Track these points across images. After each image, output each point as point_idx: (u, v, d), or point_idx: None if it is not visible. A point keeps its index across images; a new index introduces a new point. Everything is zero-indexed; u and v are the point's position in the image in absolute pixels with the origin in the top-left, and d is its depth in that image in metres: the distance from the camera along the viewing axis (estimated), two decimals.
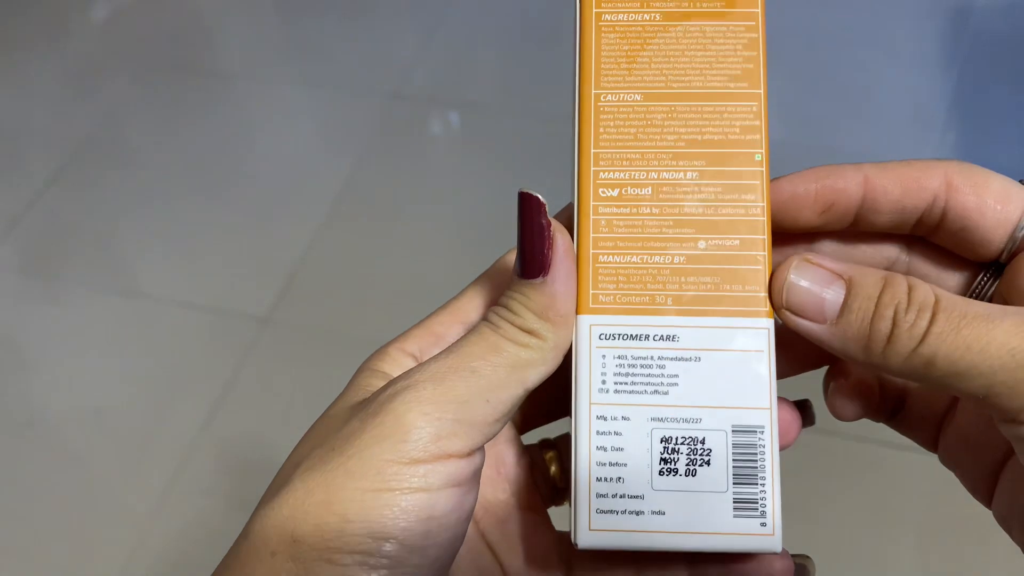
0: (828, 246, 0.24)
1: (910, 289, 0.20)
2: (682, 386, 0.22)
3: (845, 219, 0.23)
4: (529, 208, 0.21)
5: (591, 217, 0.23)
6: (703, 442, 0.22)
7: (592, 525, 0.21)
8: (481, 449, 0.21)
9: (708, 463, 0.22)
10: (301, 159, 1.07)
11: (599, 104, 0.23)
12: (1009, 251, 0.22)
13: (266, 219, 1.00)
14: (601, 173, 0.23)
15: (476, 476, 0.21)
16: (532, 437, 0.27)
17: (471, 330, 0.22)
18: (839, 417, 0.25)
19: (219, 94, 1.16)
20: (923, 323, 0.20)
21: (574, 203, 0.23)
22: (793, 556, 0.23)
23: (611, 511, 0.21)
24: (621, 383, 0.22)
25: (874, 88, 1.06)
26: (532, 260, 0.21)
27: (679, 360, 0.22)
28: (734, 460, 0.22)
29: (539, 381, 0.21)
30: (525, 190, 0.21)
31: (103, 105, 1.15)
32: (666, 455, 0.22)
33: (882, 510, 0.72)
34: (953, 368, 0.19)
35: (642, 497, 0.21)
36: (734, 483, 0.21)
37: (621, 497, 0.22)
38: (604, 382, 0.22)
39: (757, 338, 0.22)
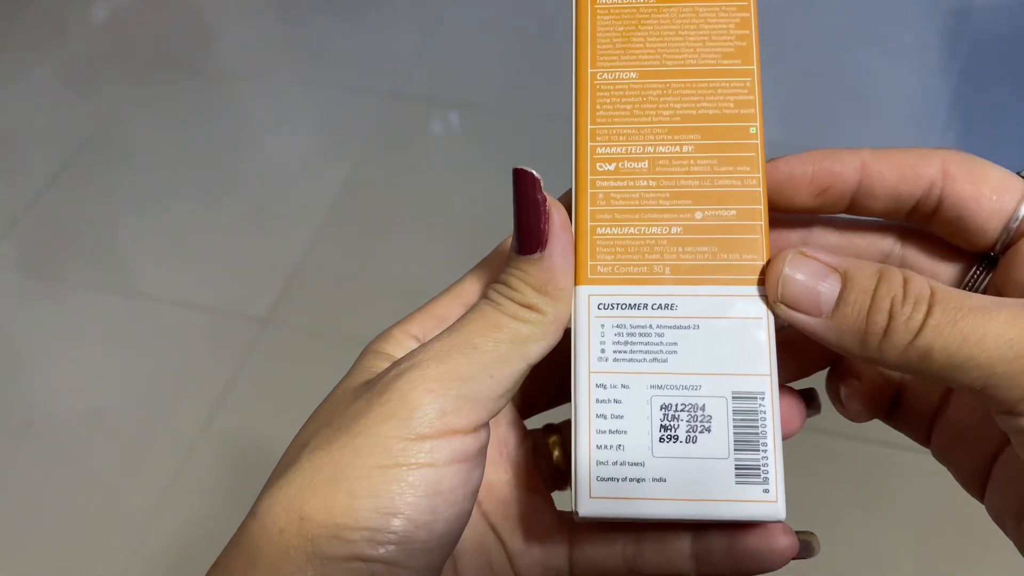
0: (822, 235, 0.24)
1: (906, 282, 0.20)
2: (681, 354, 0.22)
3: (840, 203, 0.23)
4: (524, 184, 0.21)
5: (588, 191, 0.23)
6: (703, 409, 0.22)
7: (593, 493, 0.21)
8: (486, 426, 0.21)
9: (708, 430, 0.22)
10: (301, 159, 1.07)
11: (595, 82, 0.24)
12: (1003, 242, 0.22)
13: (266, 219, 1.00)
14: (598, 148, 0.23)
15: (482, 452, 0.21)
16: (535, 424, 0.27)
17: (472, 308, 0.22)
18: (852, 419, 0.25)
19: (219, 94, 1.16)
20: (919, 315, 0.20)
21: (573, 179, 0.23)
22: (797, 533, 0.23)
23: (612, 479, 0.21)
24: (620, 351, 0.22)
25: (874, 88, 1.06)
26: (529, 235, 0.21)
27: (678, 328, 0.22)
28: (735, 426, 0.22)
29: (541, 355, 0.21)
30: (520, 167, 0.21)
31: (103, 105, 1.15)
32: (666, 422, 0.22)
33: (882, 510, 0.72)
34: (950, 360, 0.19)
35: (643, 464, 0.22)
36: (735, 449, 0.21)
37: (622, 464, 0.22)
38: (603, 351, 0.22)
39: (756, 305, 0.22)
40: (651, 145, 0.23)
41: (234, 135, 1.11)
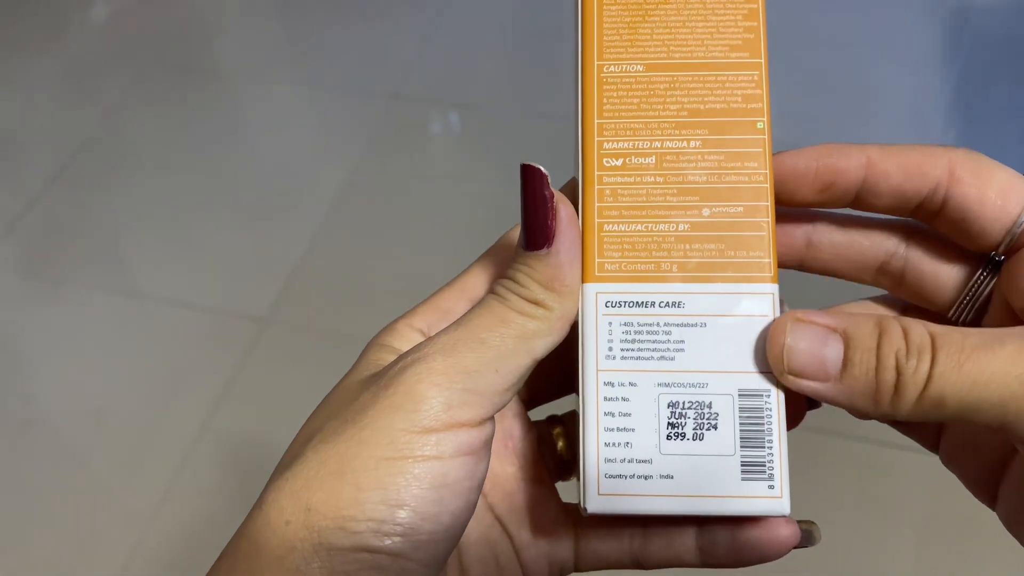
0: (826, 232, 0.24)
1: (906, 333, 0.20)
2: (688, 352, 0.22)
3: (844, 199, 0.23)
4: (531, 180, 0.21)
5: (595, 187, 0.23)
6: (710, 406, 0.22)
7: (601, 490, 0.22)
8: (491, 419, 0.21)
9: (715, 427, 0.22)
10: (301, 159, 1.07)
11: (602, 75, 0.24)
12: (1007, 246, 0.22)
13: (266, 219, 1.00)
14: (605, 143, 0.23)
15: (487, 445, 0.21)
16: (539, 414, 0.27)
17: (479, 303, 0.22)
18: (860, 417, 0.25)
19: (219, 94, 1.16)
20: (925, 366, 0.19)
21: (578, 173, 0.23)
22: (799, 522, 0.23)
23: (619, 476, 0.22)
24: (628, 349, 0.22)
25: (874, 88, 1.06)
26: (536, 231, 0.21)
27: (685, 326, 0.22)
28: (741, 424, 0.22)
29: (547, 351, 0.22)
30: (527, 162, 0.21)
31: (103, 105, 1.15)
32: (673, 420, 0.22)
33: (882, 510, 0.72)
34: (963, 405, 0.19)
35: (650, 461, 0.22)
36: (741, 446, 0.22)
37: (629, 462, 0.22)
38: (611, 349, 0.22)
39: (762, 302, 0.22)
40: (658, 140, 0.23)
41: (234, 135, 1.11)
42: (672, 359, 0.22)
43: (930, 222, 0.23)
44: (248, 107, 1.16)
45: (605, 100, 0.23)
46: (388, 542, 0.19)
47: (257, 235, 0.99)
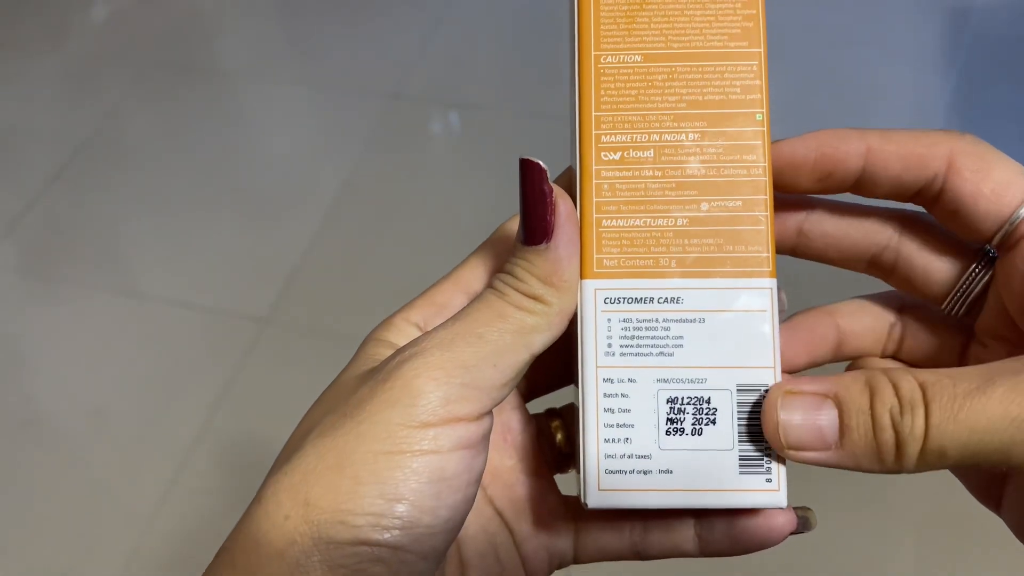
0: (820, 220, 0.24)
1: (896, 388, 0.20)
2: (687, 347, 0.22)
3: (843, 187, 0.23)
4: (531, 174, 0.21)
5: (593, 181, 0.23)
6: (708, 402, 0.22)
7: (601, 485, 0.22)
8: (489, 413, 0.21)
9: (714, 422, 0.22)
10: (301, 159, 1.07)
11: (599, 66, 0.23)
12: (1000, 241, 0.22)
13: (266, 219, 1.00)
14: (603, 136, 0.23)
15: (485, 439, 0.21)
16: (537, 406, 0.27)
17: (477, 297, 0.22)
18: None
19: (219, 94, 1.16)
20: (920, 421, 0.19)
21: (575, 167, 0.23)
22: (795, 508, 0.23)
23: (619, 471, 0.22)
24: (627, 346, 0.22)
25: (874, 88, 1.06)
26: (535, 226, 0.21)
27: (683, 322, 0.22)
28: (739, 418, 0.22)
29: (545, 346, 0.22)
30: (526, 157, 0.21)
31: (103, 105, 1.15)
32: (672, 415, 0.22)
33: (882, 510, 0.72)
34: (966, 452, 0.19)
35: (650, 457, 0.22)
36: (740, 441, 0.22)
37: (629, 457, 0.22)
38: (610, 345, 0.22)
39: (760, 298, 0.22)
40: (657, 133, 0.23)
41: (234, 135, 1.11)
42: (671, 355, 0.22)
43: (928, 208, 0.23)
44: (248, 107, 1.16)
45: (603, 92, 0.23)
46: (387, 535, 0.19)
47: (257, 235, 0.99)
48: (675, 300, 0.22)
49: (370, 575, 0.19)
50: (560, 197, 0.21)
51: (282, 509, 0.19)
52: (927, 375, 0.20)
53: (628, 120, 0.23)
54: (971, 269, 0.23)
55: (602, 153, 0.23)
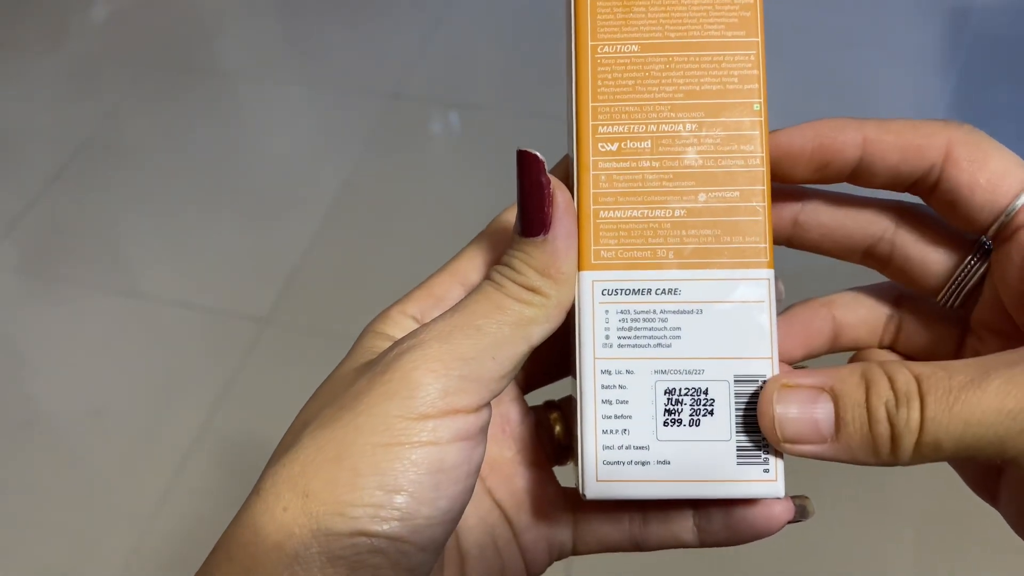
0: (815, 211, 0.24)
1: (891, 381, 0.20)
2: (684, 338, 0.22)
3: (840, 177, 0.23)
4: (528, 166, 0.21)
5: (591, 172, 0.23)
6: (706, 392, 0.22)
7: (599, 476, 0.22)
8: (488, 405, 0.21)
9: (711, 413, 0.22)
10: (301, 159, 1.07)
11: (596, 56, 0.23)
12: (995, 232, 0.22)
13: (266, 219, 1.00)
14: (600, 127, 0.23)
15: (483, 431, 0.21)
16: (535, 398, 0.27)
17: (475, 289, 0.22)
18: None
19: (219, 94, 1.16)
20: (915, 414, 0.19)
21: (572, 158, 0.23)
22: (792, 497, 0.23)
23: (617, 462, 0.22)
24: (624, 337, 0.22)
25: (874, 88, 1.06)
26: (533, 218, 0.21)
27: (681, 313, 0.22)
28: (737, 409, 0.22)
29: (543, 338, 0.22)
30: (523, 148, 0.21)
31: (103, 105, 1.15)
32: (670, 406, 0.22)
33: (882, 510, 0.72)
34: (960, 445, 0.19)
35: (647, 448, 0.22)
36: (737, 432, 0.22)
37: (627, 448, 0.22)
38: (607, 337, 0.22)
39: (757, 288, 0.22)
40: (654, 123, 0.23)
41: (234, 135, 1.11)
42: (668, 346, 0.22)
43: (925, 199, 0.23)
44: (248, 107, 1.16)
45: (600, 82, 0.23)
46: (386, 527, 0.19)
47: (257, 235, 0.99)
48: (673, 291, 0.22)
49: (369, 566, 0.19)
50: (558, 189, 0.21)
51: (281, 501, 0.19)
52: (922, 368, 0.20)
53: (625, 110, 0.23)
54: (967, 261, 0.23)
55: (599, 144, 0.23)
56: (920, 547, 0.71)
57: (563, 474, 0.26)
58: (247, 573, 0.19)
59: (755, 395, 0.22)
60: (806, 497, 0.24)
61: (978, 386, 0.19)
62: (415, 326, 0.23)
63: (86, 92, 1.18)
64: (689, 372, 0.22)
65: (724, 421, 0.22)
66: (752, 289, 0.22)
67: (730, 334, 0.22)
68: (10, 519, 0.79)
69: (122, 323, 0.92)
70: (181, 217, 1.01)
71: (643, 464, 0.22)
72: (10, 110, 1.17)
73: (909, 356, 0.25)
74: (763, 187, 0.22)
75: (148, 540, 0.77)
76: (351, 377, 0.21)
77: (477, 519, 0.24)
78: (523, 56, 1.15)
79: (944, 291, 0.24)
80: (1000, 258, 0.22)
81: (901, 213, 0.24)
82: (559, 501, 0.25)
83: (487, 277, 0.22)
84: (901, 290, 0.25)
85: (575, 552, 0.25)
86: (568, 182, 0.23)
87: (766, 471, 0.22)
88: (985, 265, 0.23)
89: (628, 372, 0.22)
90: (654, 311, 0.22)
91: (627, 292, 0.22)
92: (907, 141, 0.22)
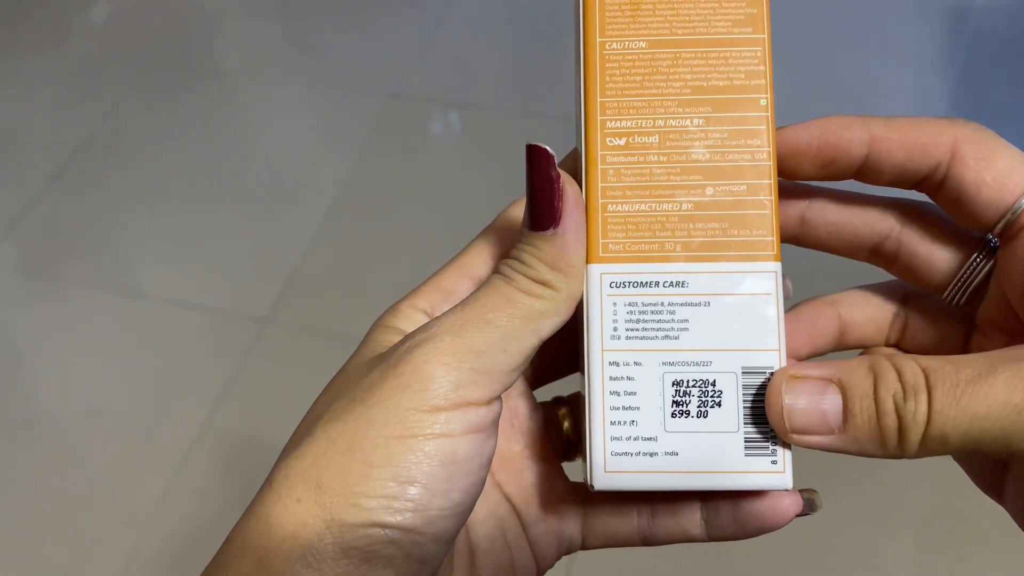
0: (822, 209, 0.24)
1: (899, 373, 0.20)
2: (692, 331, 0.22)
3: (846, 174, 0.23)
4: (538, 160, 0.21)
5: (599, 167, 0.23)
6: (714, 384, 0.22)
7: (607, 467, 0.22)
8: (499, 398, 0.21)
9: (719, 404, 0.22)
10: (301, 159, 1.07)
11: (604, 52, 0.23)
12: (1001, 230, 0.22)
13: (266, 219, 1.00)
14: (608, 122, 0.23)
15: (495, 424, 0.21)
16: (544, 394, 0.27)
17: (485, 283, 0.22)
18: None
19: (219, 94, 1.16)
20: (923, 406, 0.19)
21: (581, 153, 0.23)
22: (800, 491, 0.23)
23: (625, 453, 0.22)
24: (632, 329, 0.22)
25: (874, 88, 1.06)
26: (542, 212, 0.21)
27: (689, 305, 0.22)
28: (744, 401, 0.22)
29: (553, 331, 0.22)
30: (533, 143, 0.21)
31: (103, 105, 1.15)
32: (678, 398, 0.22)
33: (882, 510, 0.72)
34: (967, 439, 0.19)
35: (655, 439, 0.22)
36: (745, 423, 0.22)
37: (635, 439, 0.22)
38: (616, 329, 0.22)
39: (764, 281, 0.22)
40: (661, 118, 0.23)
41: (234, 135, 1.11)
42: (676, 338, 0.22)
43: (931, 196, 0.23)
44: (248, 107, 1.16)
45: (608, 78, 0.23)
46: (400, 518, 0.19)
47: (257, 235, 0.99)
48: (680, 284, 0.22)
49: (382, 557, 0.19)
50: (567, 183, 0.21)
51: (294, 492, 0.19)
52: (930, 361, 0.20)
53: (633, 106, 0.23)
54: (972, 258, 0.23)
55: (607, 139, 0.23)
56: (921, 547, 0.71)
57: (571, 470, 0.26)
58: (260, 564, 0.19)
59: (763, 387, 0.22)
60: (814, 491, 0.24)
61: (985, 380, 0.19)
62: (425, 320, 0.23)
63: (86, 92, 1.18)
64: (697, 364, 0.22)
65: (732, 413, 0.22)
66: (759, 282, 0.22)
67: (738, 326, 0.22)
68: (10, 519, 0.79)
69: (122, 323, 0.92)
70: (181, 217, 1.01)
71: (651, 455, 0.22)
72: (10, 110, 1.17)
73: (916, 354, 0.25)
74: (770, 181, 0.23)
75: (148, 540, 0.77)
76: (363, 370, 0.21)
77: (487, 512, 0.24)
78: (523, 56, 1.15)
79: (950, 288, 0.24)
80: (1006, 256, 0.22)
81: (907, 211, 0.24)
82: (568, 495, 0.25)
83: (497, 271, 0.22)
84: (908, 289, 0.25)
85: (584, 546, 0.25)
86: (577, 178, 0.23)
87: (774, 462, 0.22)
88: (991, 262, 0.23)
89: (636, 364, 0.22)
90: (662, 303, 0.22)
91: (635, 285, 0.22)
92: (913, 139, 0.22)
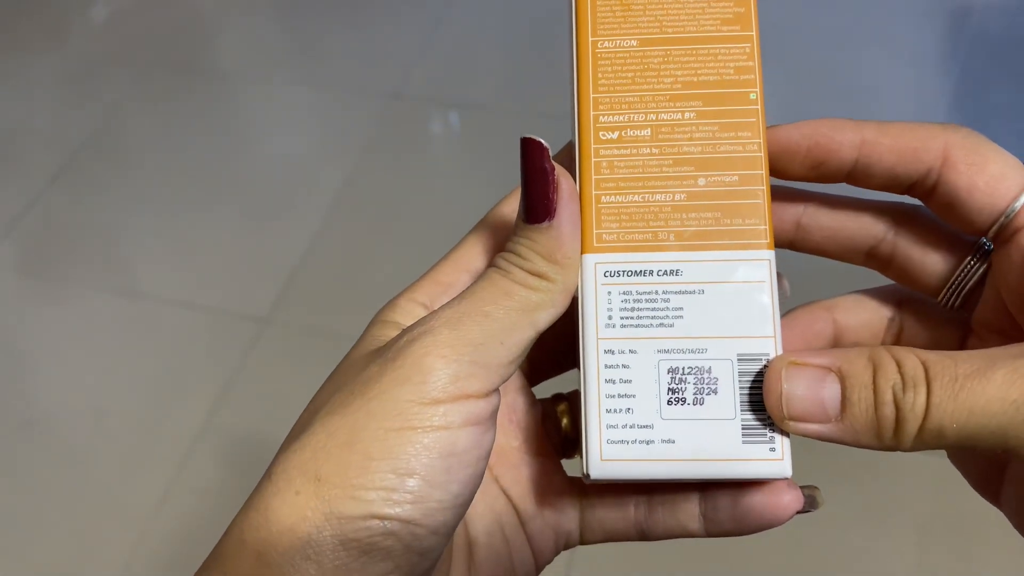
0: (815, 214, 0.24)
1: (899, 364, 0.20)
2: (687, 318, 0.22)
3: (836, 178, 0.23)
4: (532, 153, 0.21)
5: (592, 159, 0.23)
6: (709, 371, 0.22)
7: (603, 456, 0.22)
8: (497, 391, 0.21)
9: (715, 392, 0.22)
10: (301, 159, 1.07)
11: (596, 50, 0.24)
12: (995, 234, 0.22)
13: (266, 219, 1.00)
14: (601, 117, 0.23)
15: (493, 416, 0.21)
16: (543, 391, 0.27)
17: (481, 276, 0.22)
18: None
19: (219, 94, 1.16)
20: (921, 399, 0.19)
21: (575, 147, 0.24)
22: (802, 487, 0.23)
23: (621, 441, 0.22)
24: (627, 318, 0.22)
25: (874, 88, 1.06)
26: (537, 205, 0.21)
27: (683, 293, 0.22)
28: (740, 388, 0.22)
29: (550, 322, 0.22)
30: (527, 135, 0.21)
31: (103, 105, 1.15)
32: (674, 385, 0.22)
33: (882, 510, 0.72)
34: (963, 433, 0.19)
35: (652, 427, 0.22)
36: (742, 410, 0.22)
37: (631, 427, 0.22)
38: (610, 317, 0.22)
39: (758, 269, 0.22)
40: (653, 113, 0.23)
41: (234, 135, 1.11)
42: (671, 326, 0.22)
43: (923, 201, 0.23)
44: (248, 107, 1.16)
45: (600, 75, 0.24)
46: (399, 509, 0.19)
47: (257, 235, 0.99)
48: (674, 272, 0.22)
49: (381, 549, 0.19)
50: (562, 175, 0.22)
51: (293, 485, 0.19)
52: (930, 355, 0.20)
53: (625, 101, 0.23)
54: (966, 262, 0.23)
55: (600, 132, 0.23)
56: (921, 547, 0.71)
57: (568, 465, 0.26)
58: (260, 557, 0.19)
59: (759, 374, 0.22)
60: (815, 487, 0.23)
61: (983, 375, 0.19)
62: (424, 313, 0.23)
63: (86, 92, 1.18)
64: (692, 351, 0.22)
65: (728, 400, 0.22)
66: (753, 270, 0.22)
67: (732, 314, 0.22)
68: (10, 519, 0.79)
69: (122, 323, 0.92)
70: (181, 217, 1.01)
71: (647, 443, 0.22)
72: (10, 110, 1.17)
73: None
74: (762, 171, 0.23)
75: (148, 540, 0.77)
76: (362, 364, 0.21)
77: (485, 506, 0.24)
78: (523, 56, 1.15)
79: (944, 292, 0.24)
80: (1000, 259, 0.22)
81: (901, 215, 0.24)
82: (565, 490, 0.25)
83: (493, 264, 0.22)
84: (903, 293, 0.25)
85: (582, 541, 0.25)
86: (571, 171, 0.23)
87: (772, 449, 0.22)
88: (985, 266, 0.23)
89: (631, 352, 0.22)
90: (656, 292, 0.22)
91: (629, 273, 0.23)
92: (904, 144, 0.22)
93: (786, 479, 0.22)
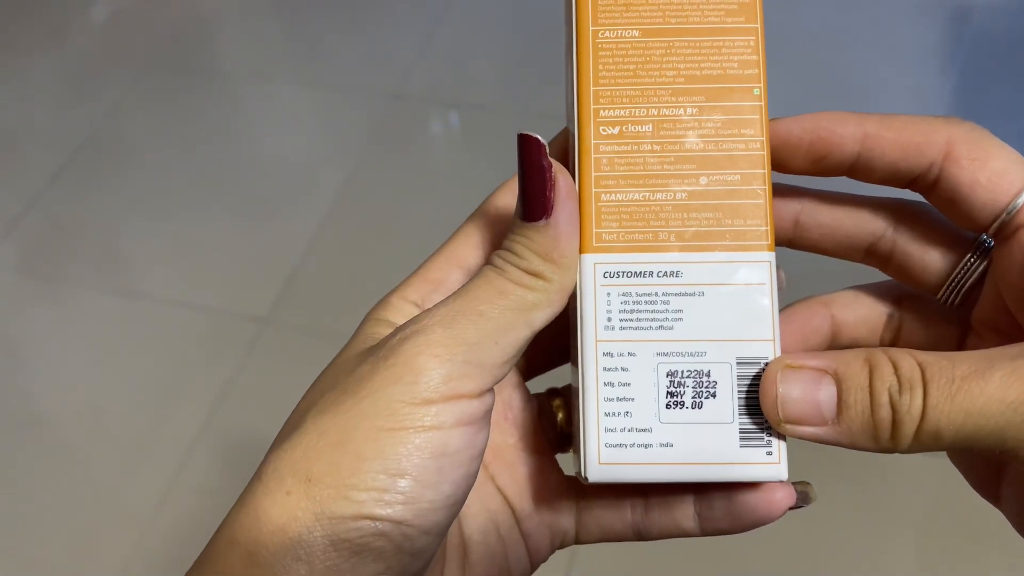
0: (813, 211, 0.24)
1: (895, 367, 0.20)
2: (686, 321, 0.22)
3: (838, 171, 0.23)
4: (530, 150, 0.21)
5: (592, 155, 0.23)
6: (708, 375, 0.22)
7: (601, 459, 0.22)
8: (491, 391, 0.21)
9: (714, 395, 0.22)
10: (301, 159, 1.07)
11: (597, 41, 0.23)
12: (996, 230, 0.22)
13: (266, 219, 1.00)
14: (601, 111, 0.23)
15: (487, 416, 0.21)
16: (537, 385, 0.27)
17: (477, 274, 0.22)
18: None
19: (219, 94, 1.16)
20: (918, 400, 0.19)
21: (574, 142, 0.23)
22: (794, 484, 0.23)
23: (620, 444, 0.22)
24: (626, 320, 0.22)
25: (874, 88, 1.06)
26: (534, 202, 0.21)
27: (683, 295, 0.22)
28: (739, 391, 0.22)
29: (546, 322, 0.22)
30: (524, 132, 0.21)
31: (103, 105, 1.15)
32: (672, 389, 0.22)
33: (882, 510, 0.72)
34: (960, 435, 0.19)
35: (650, 430, 0.22)
36: (740, 414, 0.22)
37: (629, 431, 0.22)
38: (609, 319, 0.22)
39: (759, 271, 0.22)
40: (655, 107, 0.23)
41: (234, 135, 1.11)
42: (671, 328, 0.22)
43: (925, 195, 0.23)
44: (248, 107, 1.16)
45: (601, 67, 0.23)
46: (390, 510, 0.19)
47: (257, 235, 0.99)
48: (674, 274, 0.22)
49: (372, 549, 0.19)
50: (560, 172, 0.21)
51: (283, 485, 0.19)
52: (927, 356, 0.20)
53: (627, 94, 0.23)
54: (966, 258, 0.23)
55: (600, 127, 0.23)
56: (921, 547, 0.71)
57: (565, 462, 0.26)
58: (250, 557, 0.19)
59: (757, 377, 0.22)
60: (808, 483, 0.23)
61: (981, 376, 0.19)
62: (416, 312, 0.23)
63: (86, 92, 1.18)
64: (691, 354, 0.22)
65: (727, 403, 0.22)
66: (753, 271, 0.22)
67: (732, 316, 0.22)
68: (10, 519, 0.79)
69: (122, 323, 0.92)
70: (181, 217, 1.01)
71: (645, 447, 0.22)
72: (10, 110, 1.17)
73: None
74: (764, 171, 0.22)
75: (148, 540, 0.77)
76: (353, 363, 0.21)
77: (480, 505, 0.24)
78: (523, 56, 1.15)
79: (944, 289, 0.24)
80: (1001, 256, 0.22)
81: (900, 211, 0.24)
82: (561, 489, 0.25)
83: (488, 262, 0.22)
84: (902, 290, 0.25)
85: (578, 540, 0.25)
86: (570, 166, 0.23)
87: (769, 453, 0.21)
88: (985, 263, 0.23)
89: (630, 355, 0.22)
90: (656, 293, 0.22)
91: (629, 275, 0.22)
92: (907, 138, 0.22)
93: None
